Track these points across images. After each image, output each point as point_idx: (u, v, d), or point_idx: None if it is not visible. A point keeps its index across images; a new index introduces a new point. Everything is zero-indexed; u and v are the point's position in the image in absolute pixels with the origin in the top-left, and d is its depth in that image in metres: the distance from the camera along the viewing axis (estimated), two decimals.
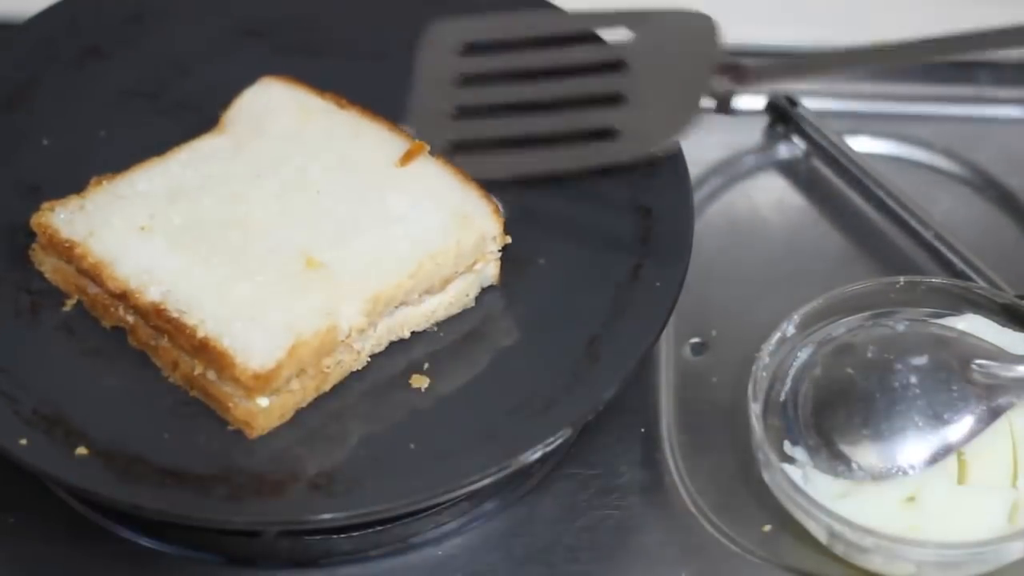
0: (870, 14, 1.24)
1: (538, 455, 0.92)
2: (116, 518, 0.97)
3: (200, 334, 0.94)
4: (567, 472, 0.99)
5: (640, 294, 0.98)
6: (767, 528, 0.98)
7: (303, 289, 0.96)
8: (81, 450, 0.92)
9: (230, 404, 0.94)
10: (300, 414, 0.95)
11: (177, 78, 1.09)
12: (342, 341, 0.95)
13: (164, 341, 0.96)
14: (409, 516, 0.95)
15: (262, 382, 0.93)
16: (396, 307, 0.97)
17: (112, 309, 0.97)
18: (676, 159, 1.03)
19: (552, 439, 0.92)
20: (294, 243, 0.98)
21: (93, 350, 0.97)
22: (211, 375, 0.94)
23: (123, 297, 0.96)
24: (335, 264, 0.97)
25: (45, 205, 0.99)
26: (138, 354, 0.97)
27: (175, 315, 0.95)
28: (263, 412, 0.93)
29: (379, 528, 0.95)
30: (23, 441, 0.92)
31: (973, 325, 0.99)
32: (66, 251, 0.98)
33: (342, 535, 0.95)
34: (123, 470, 0.91)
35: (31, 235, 1.00)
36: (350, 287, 0.96)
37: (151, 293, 0.96)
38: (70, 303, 0.99)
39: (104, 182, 1.01)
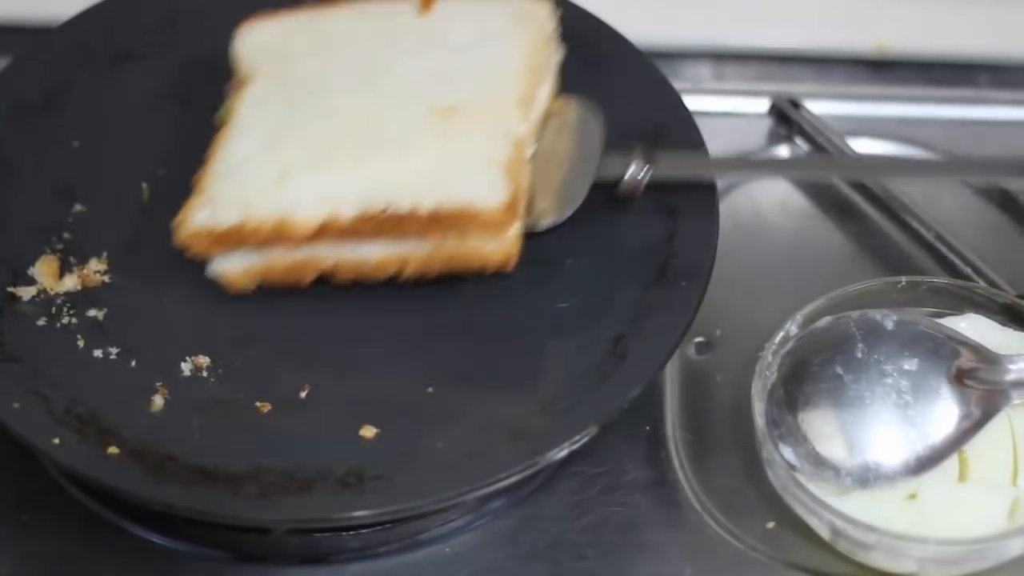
0: (868, 14, 1.25)
1: (564, 453, 0.92)
2: (128, 515, 0.97)
3: (425, 209, 0.94)
4: (573, 470, 0.99)
5: (666, 293, 0.98)
6: (770, 525, 0.98)
7: (464, 130, 0.98)
8: (113, 449, 0.92)
9: (483, 253, 0.95)
10: (330, 412, 0.95)
11: (209, 82, 1.08)
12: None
13: (377, 251, 0.96)
14: (419, 515, 0.95)
15: (510, 212, 0.95)
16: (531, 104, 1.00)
17: (311, 262, 0.97)
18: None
19: (579, 437, 0.92)
20: (420, 105, 0.99)
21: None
22: (452, 242, 0.95)
23: (322, 232, 0.95)
24: (463, 102, 0.99)
25: (176, 220, 0.97)
26: (168, 353, 0.97)
27: (388, 211, 0.94)
28: (515, 241, 0.96)
29: (388, 525, 0.95)
30: (56, 440, 0.92)
31: (974, 325, 0.99)
32: (237, 235, 0.96)
33: (351, 532, 0.95)
34: (154, 469, 0.91)
35: (62, 237, 1.00)
36: (491, 106, 0.99)
37: (345, 211, 0.95)
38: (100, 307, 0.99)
39: (206, 171, 0.99)
